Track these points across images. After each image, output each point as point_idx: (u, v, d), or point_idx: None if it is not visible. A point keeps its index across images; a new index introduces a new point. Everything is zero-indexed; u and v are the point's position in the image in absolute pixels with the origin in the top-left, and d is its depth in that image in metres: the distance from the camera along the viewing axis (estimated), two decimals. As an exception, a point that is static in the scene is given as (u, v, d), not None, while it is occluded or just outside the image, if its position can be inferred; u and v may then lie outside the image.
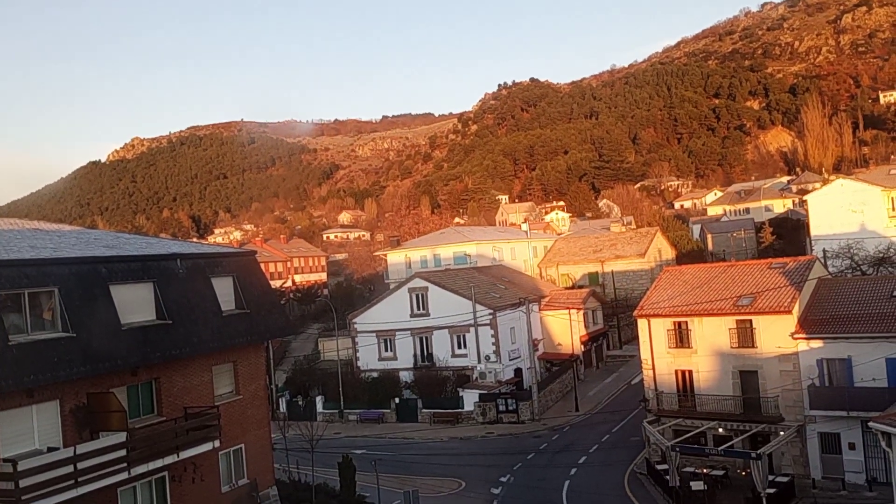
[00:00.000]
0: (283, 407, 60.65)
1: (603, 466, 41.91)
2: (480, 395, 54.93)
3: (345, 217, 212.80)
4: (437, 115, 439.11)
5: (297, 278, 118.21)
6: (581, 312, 65.71)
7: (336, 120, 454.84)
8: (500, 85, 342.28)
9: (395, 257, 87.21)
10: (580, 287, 77.03)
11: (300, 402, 61.20)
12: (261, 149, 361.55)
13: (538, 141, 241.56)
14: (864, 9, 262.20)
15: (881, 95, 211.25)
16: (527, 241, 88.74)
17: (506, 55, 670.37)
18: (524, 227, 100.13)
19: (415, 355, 60.15)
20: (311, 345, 78.01)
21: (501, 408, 53.98)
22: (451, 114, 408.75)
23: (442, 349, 59.17)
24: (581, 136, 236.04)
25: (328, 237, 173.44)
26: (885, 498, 28.79)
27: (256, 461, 28.18)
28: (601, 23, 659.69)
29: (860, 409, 32.73)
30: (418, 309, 60.23)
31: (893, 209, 75.22)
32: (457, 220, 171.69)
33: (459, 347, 58.71)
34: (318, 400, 60.73)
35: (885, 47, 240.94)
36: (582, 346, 65.47)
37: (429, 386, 57.41)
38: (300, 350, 77.45)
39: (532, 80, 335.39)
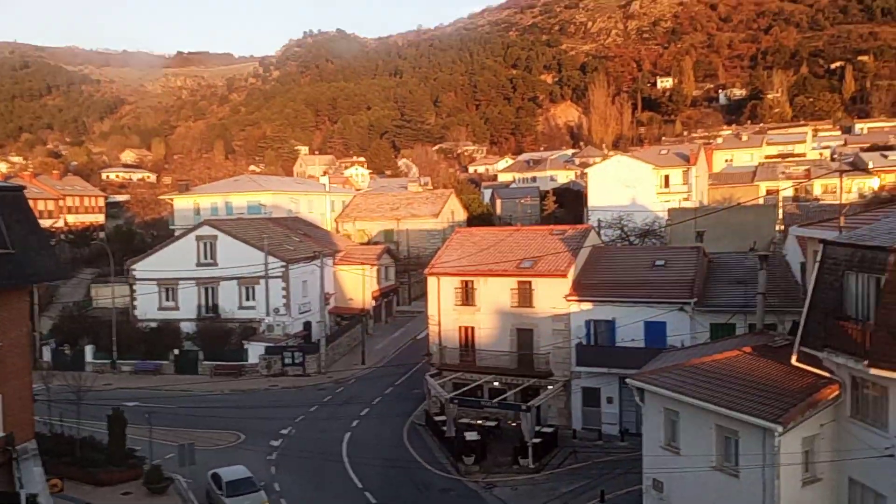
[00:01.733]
0: (47, 356, 56.16)
1: (384, 418, 42.90)
2: (266, 347, 54.02)
3: (128, 156, 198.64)
4: (237, 56, 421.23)
5: (71, 219, 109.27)
6: (375, 268, 66.34)
7: (125, 51, 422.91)
8: (305, 32, 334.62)
9: (183, 203, 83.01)
10: (375, 243, 77.67)
11: (67, 352, 56.90)
12: (35, 75, 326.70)
13: (342, 94, 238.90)
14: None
15: (659, 80, 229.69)
16: (325, 194, 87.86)
17: (314, 1, 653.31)
18: (323, 180, 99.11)
19: (199, 306, 57.85)
20: (83, 291, 72.57)
21: (287, 361, 53.46)
22: (252, 57, 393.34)
23: (229, 301, 57.36)
24: (385, 93, 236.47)
25: (108, 177, 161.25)
26: (634, 447, 31.85)
27: (14, 414, 25.84)
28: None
29: (620, 366, 35.84)
30: (206, 258, 57.83)
31: (662, 186, 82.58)
32: (252, 167, 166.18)
33: (248, 299, 57.23)
34: (88, 349, 56.84)
35: (665, 36, 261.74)
36: (373, 302, 66.22)
37: (212, 338, 55.52)
38: (70, 296, 71.80)
39: (339, 31, 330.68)
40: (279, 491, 32.71)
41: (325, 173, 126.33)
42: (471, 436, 36.59)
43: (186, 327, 57.14)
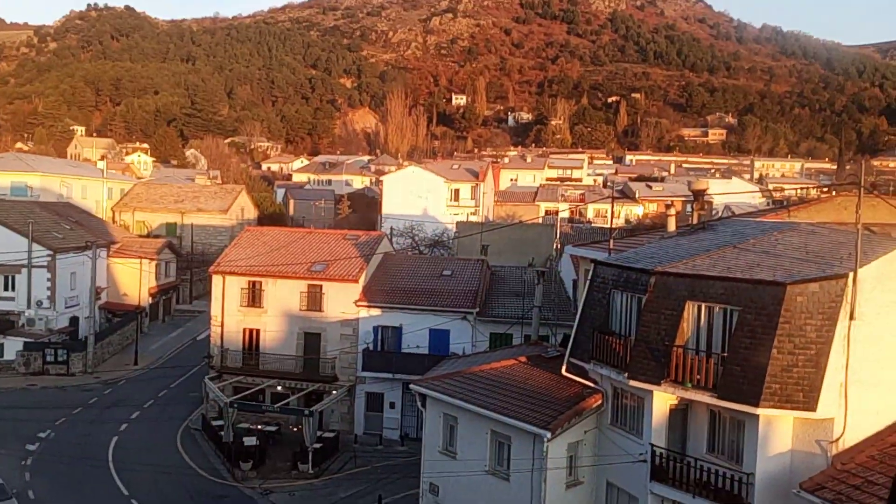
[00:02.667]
0: None
1: (157, 422, 40.69)
2: (26, 343, 49.32)
3: None
4: (8, 21, 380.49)
5: None
6: (154, 263, 62.72)
7: None
8: (89, 5, 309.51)
9: (-68, 177, 73.73)
10: (156, 237, 73.44)
11: None
12: None
13: (127, 75, 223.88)
14: (450, 15, 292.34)
15: (454, 97, 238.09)
16: (102, 180, 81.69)
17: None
18: (101, 164, 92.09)
19: (-54, 294, 51.66)
20: None
21: (50, 358, 49.11)
22: (26, 24, 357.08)
23: (-18, 289, 51.74)
24: (175, 79, 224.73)
25: None
26: (414, 452, 32.63)
27: None
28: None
29: (404, 372, 36.68)
30: (-44, 241, 51.73)
31: (452, 199, 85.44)
32: (19, 145, 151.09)
33: (6, 290, 51.85)
34: None
35: (462, 55, 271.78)
36: (150, 298, 62.57)
37: (-40, 330, 49.80)
38: None
39: (127, 7, 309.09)
40: (33, 499, 30.04)
41: (102, 157, 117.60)
42: (249, 441, 35.70)
43: (-72, 318, 50.80)
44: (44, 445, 36.20)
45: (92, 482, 32.28)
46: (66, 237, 55.67)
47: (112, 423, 39.77)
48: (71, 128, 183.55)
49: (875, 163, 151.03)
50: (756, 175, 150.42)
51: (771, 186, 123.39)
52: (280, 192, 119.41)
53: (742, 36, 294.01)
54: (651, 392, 19.93)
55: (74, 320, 54.42)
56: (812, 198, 36.53)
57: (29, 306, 51.55)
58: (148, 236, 73.99)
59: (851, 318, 17.52)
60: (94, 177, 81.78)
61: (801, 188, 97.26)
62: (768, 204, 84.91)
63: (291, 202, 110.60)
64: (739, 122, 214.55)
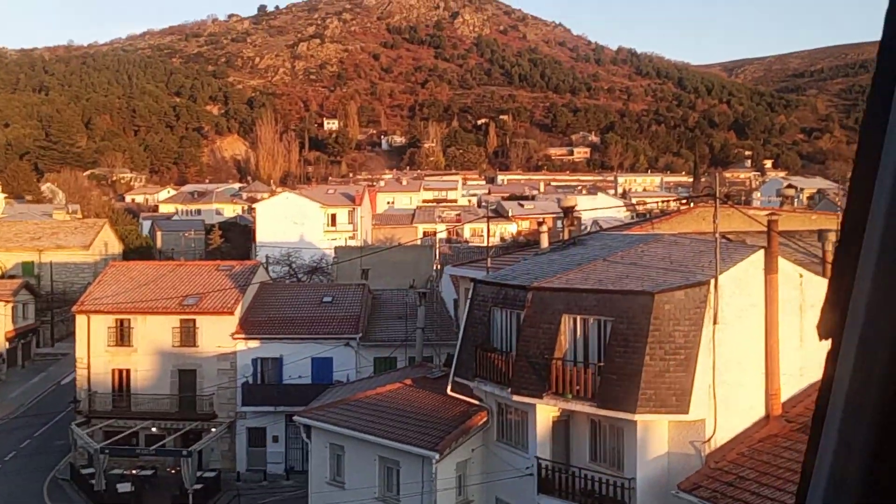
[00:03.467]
0: None
1: (20, 475, 37.89)
2: None
3: None
4: None
5: None
6: (9, 305, 58.57)
7: None
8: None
9: None
10: (11, 277, 68.76)
11: None
12: None
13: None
14: (317, 41, 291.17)
15: (325, 122, 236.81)
16: (-54, 219, 75.99)
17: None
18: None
19: None
20: None
21: None
22: None
23: None
24: (27, 110, 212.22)
25: None
26: (300, 485, 31.85)
27: None
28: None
29: (287, 404, 35.77)
30: None
31: (329, 224, 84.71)
32: None
33: None
34: None
35: (332, 79, 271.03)
36: (7, 343, 58.38)
37: None
38: None
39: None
40: None
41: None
42: (123, 487, 33.97)
43: None
44: None
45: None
46: None
47: (-33, 481, 36.76)
48: None
49: (727, 175, 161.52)
50: (620, 190, 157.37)
51: (634, 200, 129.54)
52: (146, 225, 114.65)
53: (600, 58, 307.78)
54: (534, 406, 20.34)
55: (-80, 373, 50.07)
56: (672, 210, 38.56)
57: None
58: (2, 277, 69.20)
59: (715, 322, 18.54)
60: (-63, 216, 75.88)
61: (662, 201, 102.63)
62: (633, 217, 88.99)
63: (159, 234, 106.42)
64: (602, 141, 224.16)
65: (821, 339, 1.31)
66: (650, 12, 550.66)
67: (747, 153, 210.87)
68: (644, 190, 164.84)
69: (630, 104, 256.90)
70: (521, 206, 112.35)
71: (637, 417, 18.31)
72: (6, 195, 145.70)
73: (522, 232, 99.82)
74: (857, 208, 1.17)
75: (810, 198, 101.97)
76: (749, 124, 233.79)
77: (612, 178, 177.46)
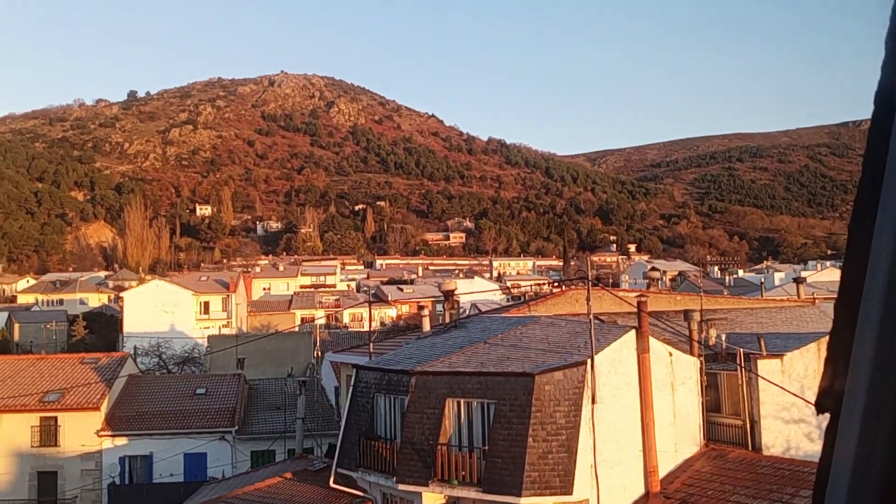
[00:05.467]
0: None
1: None
2: None
3: None
4: None
5: None
6: None
7: None
8: None
9: None
10: None
11: None
12: None
13: None
14: (190, 127, 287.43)
15: (198, 207, 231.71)
16: None
17: None
18: None
19: None
20: None
21: None
22: None
23: None
24: None
25: None
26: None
27: None
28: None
29: (157, 504, 33.73)
30: None
31: (201, 312, 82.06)
32: None
33: None
34: None
35: (205, 165, 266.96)
36: None
37: None
38: None
39: None
40: None
41: None
42: None
43: None
44: None
45: None
46: None
47: None
48: None
49: (595, 258, 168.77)
50: (495, 273, 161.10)
51: (509, 283, 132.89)
52: (3, 316, 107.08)
53: (472, 147, 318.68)
54: (420, 494, 20.19)
55: None
56: (546, 293, 39.95)
57: None
58: None
59: (593, 401, 19.20)
60: None
61: (536, 284, 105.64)
62: (509, 300, 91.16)
63: (17, 326, 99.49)
64: (476, 226, 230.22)
65: (819, 413, 1.26)
66: (517, 105, 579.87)
67: (612, 238, 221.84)
68: (518, 273, 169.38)
69: (501, 192, 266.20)
70: (401, 290, 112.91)
71: (523, 502, 18.47)
72: None
73: (402, 316, 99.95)
74: (853, 273, 1.15)
75: (672, 279, 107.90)
76: (612, 211, 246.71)
77: (487, 262, 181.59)
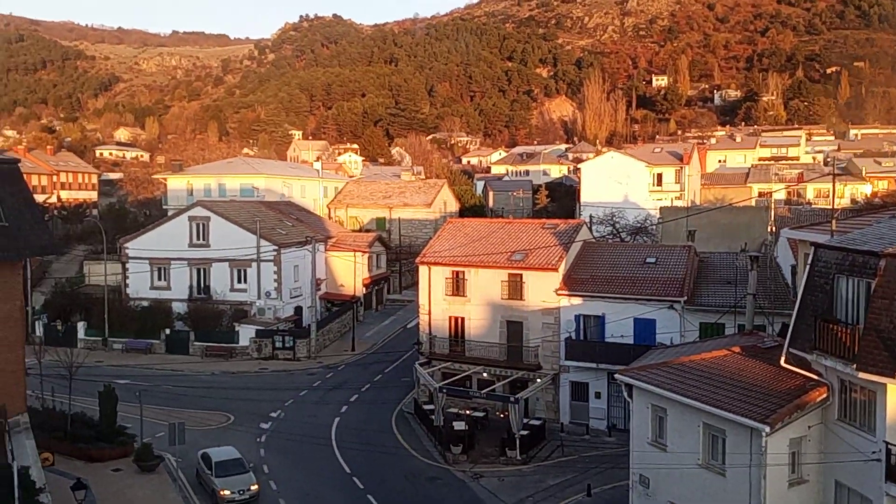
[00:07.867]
0: (39, 331, 56.07)
1: (373, 405, 43.14)
2: (257, 330, 54.13)
3: (122, 134, 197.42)
4: (232, 38, 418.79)
5: (64, 195, 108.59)
6: (366, 256, 66.45)
7: (120, 28, 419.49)
8: (301, 16, 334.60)
9: (177, 183, 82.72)
10: (367, 231, 77.72)
11: (59, 327, 56.85)
12: (30, 48, 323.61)
13: (336, 80, 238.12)
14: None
15: (654, 79, 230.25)
16: (318, 180, 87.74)
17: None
18: (317, 165, 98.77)
19: (191, 286, 57.80)
20: (75, 267, 72.31)
21: (278, 344, 53.59)
22: (247, 39, 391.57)
23: (220, 282, 57.34)
24: (380, 80, 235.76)
25: (102, 154, 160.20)
26: (621, 443, 32.23)
27: (6, 386, 25.90)
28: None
29: (608, 362, 36.23)
30: (198, 239, 57.78)
31: (654, 183, 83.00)
32: (246, 150, 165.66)
33: (239, 282, 57.23)
34: (80, 326, 56.78)
35: (662, 34, 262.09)
36: (364, 289, 66.37)
37: (204, 319, 55.55)
38: (62, 272, 71.56)
39: (335, 16, 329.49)
40: (268, 473, 32.94)
41: (318, 159, 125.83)
42: (459, 425, 36.86)
43: (178, 307, 57.14)
44: (275, 424, 39.61)
45: (318, 459, 34.88)
46: (288, 233, 60.40)
47: (334, 405, 42.70)
48: (289, 132, 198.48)
49: None
50: None
51: None
52: (479, 185, 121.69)
53: None
54: (884, 385, 18.39)
55: (298, 309, 58.97)
56: None
57: (259, 297, 56.53)
58: (360, 231, 78.44)
59: None
60: (311, 177, 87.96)
61: None
62: None
63: (490, 194, 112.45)
64: None
65: None
66: None
67: None
68: None
69: None
70: (878, 163, 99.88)
71: None
72: (363, 158, 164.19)
73: (878, 193, 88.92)
74: None
75: None
76: None
77: None
